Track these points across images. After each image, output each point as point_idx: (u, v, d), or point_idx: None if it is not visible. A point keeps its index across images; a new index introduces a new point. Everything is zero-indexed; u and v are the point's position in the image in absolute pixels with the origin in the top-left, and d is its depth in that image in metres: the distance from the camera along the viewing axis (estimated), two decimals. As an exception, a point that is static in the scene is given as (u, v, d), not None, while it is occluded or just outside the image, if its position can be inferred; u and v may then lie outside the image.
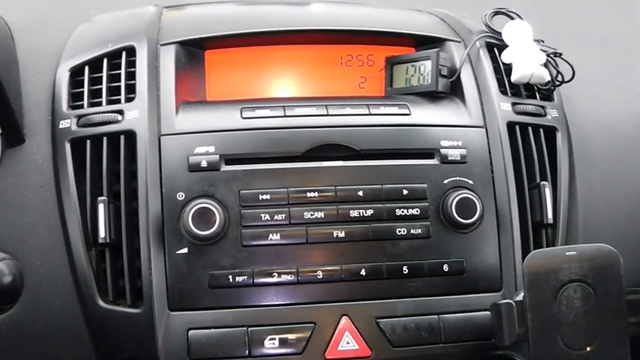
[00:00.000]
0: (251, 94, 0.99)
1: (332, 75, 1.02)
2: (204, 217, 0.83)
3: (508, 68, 0.99)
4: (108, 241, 0.85)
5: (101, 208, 0.85)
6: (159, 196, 0.85)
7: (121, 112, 0.89)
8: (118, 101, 0.91)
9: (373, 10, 1.11)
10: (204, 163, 0.86)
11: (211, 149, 0.87)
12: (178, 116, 0.90)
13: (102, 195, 0.87)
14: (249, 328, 0.84)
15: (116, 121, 0.89)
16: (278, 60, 1.01)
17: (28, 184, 0.89)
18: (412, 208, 0.88)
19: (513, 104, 0.97)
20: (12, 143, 0.90)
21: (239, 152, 0.87)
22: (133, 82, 0.91)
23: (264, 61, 1.01)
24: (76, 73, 0.94)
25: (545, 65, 0.99)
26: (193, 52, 0.97)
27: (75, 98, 0.93)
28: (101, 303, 0.85)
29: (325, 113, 0.91)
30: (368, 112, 0.92)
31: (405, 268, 0.87)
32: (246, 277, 0.85)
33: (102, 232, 0.85)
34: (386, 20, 1.05)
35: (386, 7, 1.13)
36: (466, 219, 0.88)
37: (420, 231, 0.88)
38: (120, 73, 0.92)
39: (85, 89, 0.92)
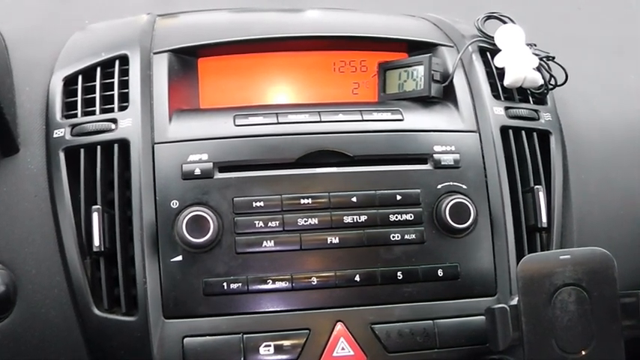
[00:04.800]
0: (244, 102, 0.99)
1: (325, 81, 1.02)
2: (198, 224, 0.84)
3: (501, 72, 1.00)
4: (102, 249, 0.85)
5: (95, 216, 0.85)
6: (153, 204, 0.85)
7: (114, 120, 0.89)
8: (112, 110, 0.91)
9: (366, 16, 1.11)
10: (197, 171, 0.86)
11: (205, 157, 0.87)
12: (172, 124, 0.90)
13: (96, 204, 0.87)
14: (245, 335, 0.84)
15: (110, 130, 0.89)
16: (271, 67, 1.01)
17: (22, 193, 0.89)
18: (406, 213, 0.88)
19: (506, 108, 0.97)
20: (6, 153, 0.90)
21: (232, 160, 0.88)
22: (126, 90, 0.91)
23: (257, 68, 1.01)
24: (69, 82, 0.94)
25: (538, 69, 0.99)
26: (186, 60, 0.97)
27: (69, 107, 0.93)
28: (96, 311, 0.85)
29: (318, 120, 0.91)
30: (361, 118, 0.92)
31: (399, 273, 0.87)
32: (240, 284, 0.85)
33: (96, 241, 0.85)
34: (378, 26, 1.05)
35: (378, 12, 1.13)
36: (460, 224, 0.88)
37: (414, 236, 0.88)
38: (113, 82, 0.93)
39: (79, 98, 0.92)
